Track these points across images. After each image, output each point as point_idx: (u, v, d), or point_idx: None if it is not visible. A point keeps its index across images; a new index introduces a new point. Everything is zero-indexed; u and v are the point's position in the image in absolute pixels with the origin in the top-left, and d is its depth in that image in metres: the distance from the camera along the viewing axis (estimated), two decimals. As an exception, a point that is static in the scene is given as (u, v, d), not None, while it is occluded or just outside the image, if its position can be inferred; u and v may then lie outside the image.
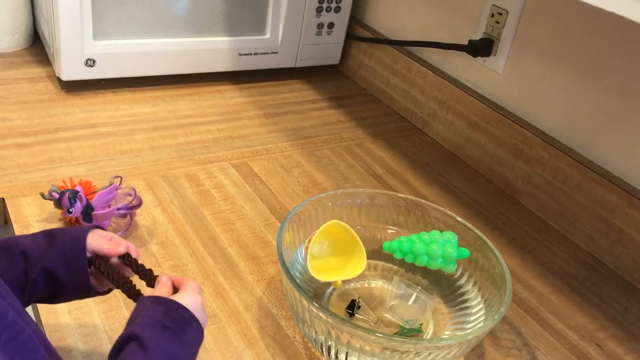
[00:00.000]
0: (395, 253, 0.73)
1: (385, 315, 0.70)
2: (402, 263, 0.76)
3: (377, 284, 0.75)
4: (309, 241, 0.69)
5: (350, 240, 0.72)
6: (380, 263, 0.77)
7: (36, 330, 0.48)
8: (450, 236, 0.71)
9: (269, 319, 0.69)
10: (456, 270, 0.73)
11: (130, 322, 0.50)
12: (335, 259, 0.73)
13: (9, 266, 0.53)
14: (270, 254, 0.79)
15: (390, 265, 0.77)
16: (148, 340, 0.47)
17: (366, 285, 0.75)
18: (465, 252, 0.70)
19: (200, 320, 0.52)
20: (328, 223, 0.70)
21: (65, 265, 0.54)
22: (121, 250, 0.56)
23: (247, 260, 0.77)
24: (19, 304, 0.48)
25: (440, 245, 0.70)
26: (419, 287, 0.74)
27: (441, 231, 0.72)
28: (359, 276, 0.72)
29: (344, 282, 0.73)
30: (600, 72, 0.87)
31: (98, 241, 0.56)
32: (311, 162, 1.00)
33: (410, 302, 0.71)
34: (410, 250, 0.72)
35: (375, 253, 0.77)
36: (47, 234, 0.56)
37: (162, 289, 0.53)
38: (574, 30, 0.89)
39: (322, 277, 0.69)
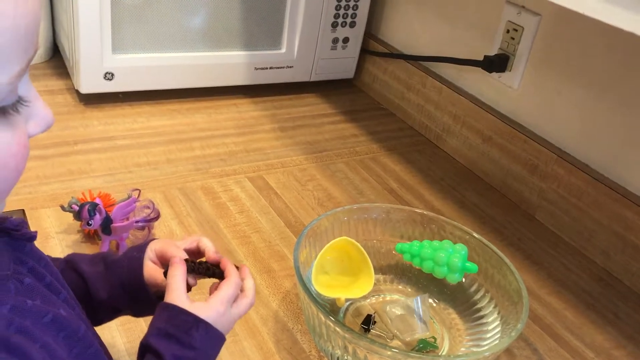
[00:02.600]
0: (405, 255, 0.75)
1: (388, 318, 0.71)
2: (417, 279, 0.77)
3: (393, 298, 0.75)
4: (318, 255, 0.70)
5: (360, 259, 0.72)
6: (396, 278, 0.78)
7: (101, 343, 0.48)
8: (460, 248, 0.71)
9: (285, 332, 0.70)
10: (472, 285, 0.73)
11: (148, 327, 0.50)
12: (344, 276, 0.73)
13: (75, 284, 0.53)
14: (286, 268, 0.79)
15: (405, 282, 0.77)
16: (159, 349, 0.47)
17: (381, 299, 0.75)
18: (473, 267, 0.70)
19: (212, 321, 0.50)
20: (338, 239, 0.70)
21: (130, 301, 0.54)
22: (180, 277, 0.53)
23: (263, 273, 0.78)
24: (86, 318, 0.48)
25: (448, 254, 0.70)
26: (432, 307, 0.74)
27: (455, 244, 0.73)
28: (374, 291, 0.72)
29: (349, 299, 0.73)
30: (616, 88, 0.87)
31: (153, 275, 0.55)
32: (326, 175, 1.01)
33: (412, 318, 0.71)
34: (418, 254, 0.73)
35: (391, 268, 0.77)
36: (104, 260, 0.56)
37: (227, 286, 0.53)
38: (590, 47, 0.90)
39: (327, 293, 0.69)
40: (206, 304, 0.51)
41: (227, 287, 0.53)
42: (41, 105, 0.37)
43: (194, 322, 0.49)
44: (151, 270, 0.55)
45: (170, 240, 0.58)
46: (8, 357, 0.34)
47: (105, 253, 0.57)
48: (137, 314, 0.57)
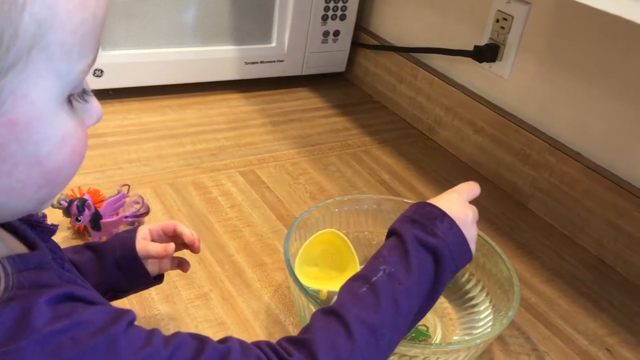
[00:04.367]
0: None
1: None
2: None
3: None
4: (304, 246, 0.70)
5: (348, 252, 0.71)
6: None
7: None
8: None
9: (277, 325, 0.69)
10: (464, 274, 0.73)
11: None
12: (331, 269, 0.72)
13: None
14: (278, 261, 0.79)
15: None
16: (401, 231, 0.52)
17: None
18: None
19: (459, 222, 0.54)
20: (324, 231, 0.70)
21: (124, 276, 0.57)
22: (170, 251, 0.58)
23: (255, 267, 0.78)
24: None
25: None
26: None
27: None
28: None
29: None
30: (607, 76, 0.87)
31: (146, 247, 0.58)
32: (318, 169, 1.01)
33: None
34: None
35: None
36: (89, 247, 0.58)
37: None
38: (580, 34, 0.89)
39: (310, 284, 0.69)
40: (456, 209, 0.55)
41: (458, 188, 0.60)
42: (95, 100, 0.39)
43: (440, 214, 0.54)
44: (143, 243, 0.58)
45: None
46: (70, 291, 0.35)
47: (86, 243, 0.60)
48: (131, 288, 0.60)
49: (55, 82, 0.33)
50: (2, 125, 0.31)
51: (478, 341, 0.59)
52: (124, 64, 1.07)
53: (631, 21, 0.53)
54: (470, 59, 1.05)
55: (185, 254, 0.77)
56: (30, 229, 0.42)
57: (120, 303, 0.66)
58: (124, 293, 0.60)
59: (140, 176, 0.91)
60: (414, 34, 1.20)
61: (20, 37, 0.30)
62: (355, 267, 0.70)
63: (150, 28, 1.07)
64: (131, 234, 0.59)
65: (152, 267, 0.60)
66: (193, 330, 0.67)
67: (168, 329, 0.66)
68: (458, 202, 0.56)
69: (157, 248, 0.58)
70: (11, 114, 0.31)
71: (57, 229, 0.46)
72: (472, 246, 0.55)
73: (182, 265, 0.63)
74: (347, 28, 1.26)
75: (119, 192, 0.78)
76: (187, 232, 0.61)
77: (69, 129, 0.35)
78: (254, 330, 0.68)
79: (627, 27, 0.82)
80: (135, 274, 0.58)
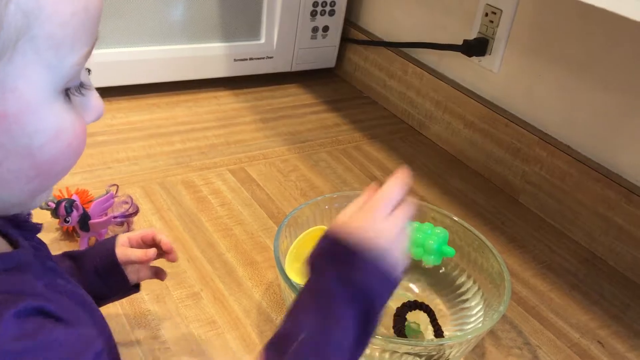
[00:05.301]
0: None
1: None
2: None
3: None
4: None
5: None
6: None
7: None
8: (440, 231, 0.70)
9: (268, 323, 0.69)
10: (455, 269, 0.73)
11: None
12: None
13: None
14: (269, 259, 0.79)
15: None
16: None
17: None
18: (451, 250, 0.70)
19: (374, 247, 0.45)
20: (314, 228, 0.70)
21: (103, 284, 0.57)
22: (151, 256, 0.58)
23: (246, 265, 0.77)
24: None
25: (425, 235, 0.70)
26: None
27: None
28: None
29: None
30: (596, 69, 0.87)
31: (125, 252, 0.58)
32: (308, 165, 1.00)
33: None
34: None
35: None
36: (68, 256, 0.58)
37: None
38: (569, 27, 0.89)
39: (300, 281, 0.68)
40: (372, 235, 0.46)
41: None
42: (95, 96, 0.39)
43: (352, 253, 0.45)
44: (123, 249, 0.58)
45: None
46: (41, 305, 0.34)
47: (65, 252, 0.59)
48: (109, 297, 0.60)
49: (45, 74, 0.33)
50: None
51: (470, 336, 0.59)
52: (111, 62, 1.06)
53: (617, 14, 0.52)
54: (459, 53, 1.05)
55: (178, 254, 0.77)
56: (15, 228, 0.42)
57: (111, 305, 0.66)
58: (102, 301, 0.59)
59: (129, 176, 0.91)
60: (403, 28, 1.20)
61: (5, 28, 0.30)
62: None
63: (138, 26, 1.06)
64: (111, 241, 0.59)
65: (130, 276, 0.60)
66: (184, 330, 0.66)
67: (159, 329, 0.66)
68: (374, 224, 0.47)
69: (137, 253, 0.58)
70: (2, 106, 0.31)
71: (42, 227, 0.45)
72: (400, 264, 0.47)
73: (159, 274, 0.63)
74: (336, 24, 1.25)
75: (107, 192, 0.77)
76: (165, 239, 0.61)
77: (65, 123, 0.35)
78: (245, 329, 0.68)
79: (613, 19, 0.82)
80: (115, 281, 0.58)
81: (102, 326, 0.44)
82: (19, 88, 0.32)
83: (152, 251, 0.58)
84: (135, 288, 0.62)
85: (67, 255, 0.58)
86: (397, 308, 0.69)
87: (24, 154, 0.33)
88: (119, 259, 0.58)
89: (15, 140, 0.33)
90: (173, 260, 0.62)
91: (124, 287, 0.59)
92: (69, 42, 0.33)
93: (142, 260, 0.58)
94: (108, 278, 0.57)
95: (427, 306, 0.69)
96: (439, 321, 0.69)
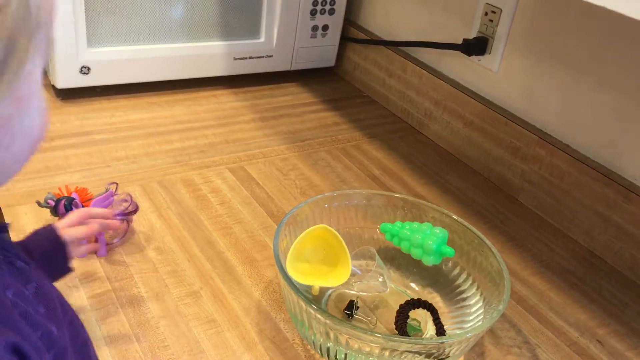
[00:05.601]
0: (386, 234, 0.76)
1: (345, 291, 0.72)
2: (400, 264, 0.76)
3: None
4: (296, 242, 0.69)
5: (339, 248, 0.71)
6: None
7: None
8: (439, 231, 0.71)
9: (268, 322, 0.69)
10: (454, 268, 0.73)
11: None
12: (322, 265, 0.72)
13: None
14: (268, 257, 0.79)
15: (388, 266, 0.77)
16: None
17: (364, 286, 0.75)
18: (450, 250, 0.70)
19: None
20: (316, 227, 0.70)
21: (53, 268, 0.58)
22: (96, 228, 0.62)
23: (245, 263, 0.77)
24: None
25: (424, 235, 0.70)
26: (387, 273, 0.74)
27: (437, 228, 0.73)
28: (357, 276, 0.72)
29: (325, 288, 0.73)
30: (595, 68, 0.87)
31: (70, 232, 0.60)
32: (308, 164, 1.00)
33: (372, 281, 0.71)
34: (397, 234, 0.74)
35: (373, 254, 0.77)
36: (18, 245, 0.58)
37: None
38: (568, 27, 0.89)
39: (302, 280, 0.68)
40: None
41: None
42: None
43: None
44: (67, 230, 0.60)
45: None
46: (16, 342, 0.34)
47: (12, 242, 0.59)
48: (54, 279, 0.60)
49: (44, 59, 0.35)
50: (10, 101, 0.32)
51: (469, 335, 0.59)
52: (110, 61, 1.06)
53: (616, 12, 0.52)
54: (459, 52, 1.05)
55: (175, 252, 0.77)
56: None
57: (107, 298, 0.66)
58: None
59: (128, 174, 0.91)
60: (403, 27, 1.20)
61: (34, 17, 0.32)
62: (347, 262, 0.70)
63: (137, 24, 1.06)
64: (49, 227, 0.60)
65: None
66: (183, 328, 0.66)
67: (158, 327, 0.66)
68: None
69: (82, 229, 0.61)
70: (20, 90, 0.33)
71: (7, 227, 0.44)
72: None
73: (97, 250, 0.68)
74: (336, 22, 1.25)
75: (107, 190, 0.77)
76: (101, 212, 0.65)
77: (43, 103, 0.37)
78: (244, 327, 0.68)
79: (612, 17, 0.82)
80: (62, 263, 0.59)
81: (73, 326, 0.43)
82: (34, 73, 0.34)
83: (96, 225, 0.61)
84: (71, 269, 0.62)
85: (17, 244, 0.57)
86: (400, 305, 0.69)
87: (25, 135, 0.35)
88: (67, 239, 0.59)
89: (23, 121, 0.34)
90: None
91: (65, 269, 0.60)
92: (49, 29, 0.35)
93: (88, 235, 0.61)
94: (57, 261, 0.58)
95: (431, 304, 0.69)
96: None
